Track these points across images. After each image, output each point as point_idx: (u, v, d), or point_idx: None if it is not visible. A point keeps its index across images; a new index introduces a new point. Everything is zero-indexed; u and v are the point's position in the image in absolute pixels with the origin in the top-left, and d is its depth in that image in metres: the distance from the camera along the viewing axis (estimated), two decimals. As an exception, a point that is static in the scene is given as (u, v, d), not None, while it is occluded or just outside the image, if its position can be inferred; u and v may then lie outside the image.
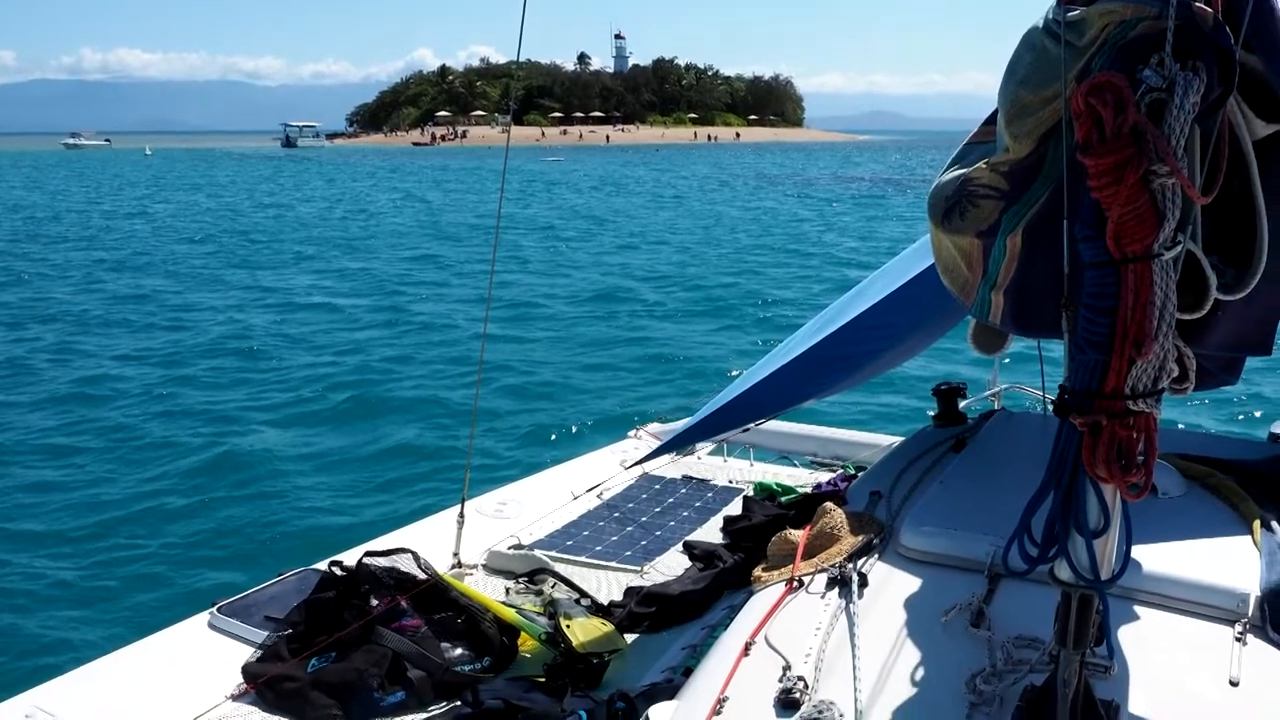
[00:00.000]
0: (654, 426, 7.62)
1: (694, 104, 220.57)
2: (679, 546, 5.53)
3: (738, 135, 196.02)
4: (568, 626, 4.31)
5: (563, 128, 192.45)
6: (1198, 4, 1.99)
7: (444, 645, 4.28)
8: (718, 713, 2.65)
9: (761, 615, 3.07)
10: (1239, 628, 2.74)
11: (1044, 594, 2.36)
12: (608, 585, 5.11)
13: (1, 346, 18.57)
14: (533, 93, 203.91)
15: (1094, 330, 2.03)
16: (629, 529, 5.85)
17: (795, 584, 3.22)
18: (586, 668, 4.19)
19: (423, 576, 4.50)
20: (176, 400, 14.77)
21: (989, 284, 2.73)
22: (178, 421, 13.66)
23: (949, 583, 3.05)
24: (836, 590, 3.11)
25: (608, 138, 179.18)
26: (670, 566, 5.30)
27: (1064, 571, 2.20)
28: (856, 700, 2.55)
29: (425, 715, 3.88)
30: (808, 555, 3.37)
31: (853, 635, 2.83)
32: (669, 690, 3.37)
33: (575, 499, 6.25)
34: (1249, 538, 3.12)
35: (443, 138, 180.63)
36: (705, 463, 7.14)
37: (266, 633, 4.35)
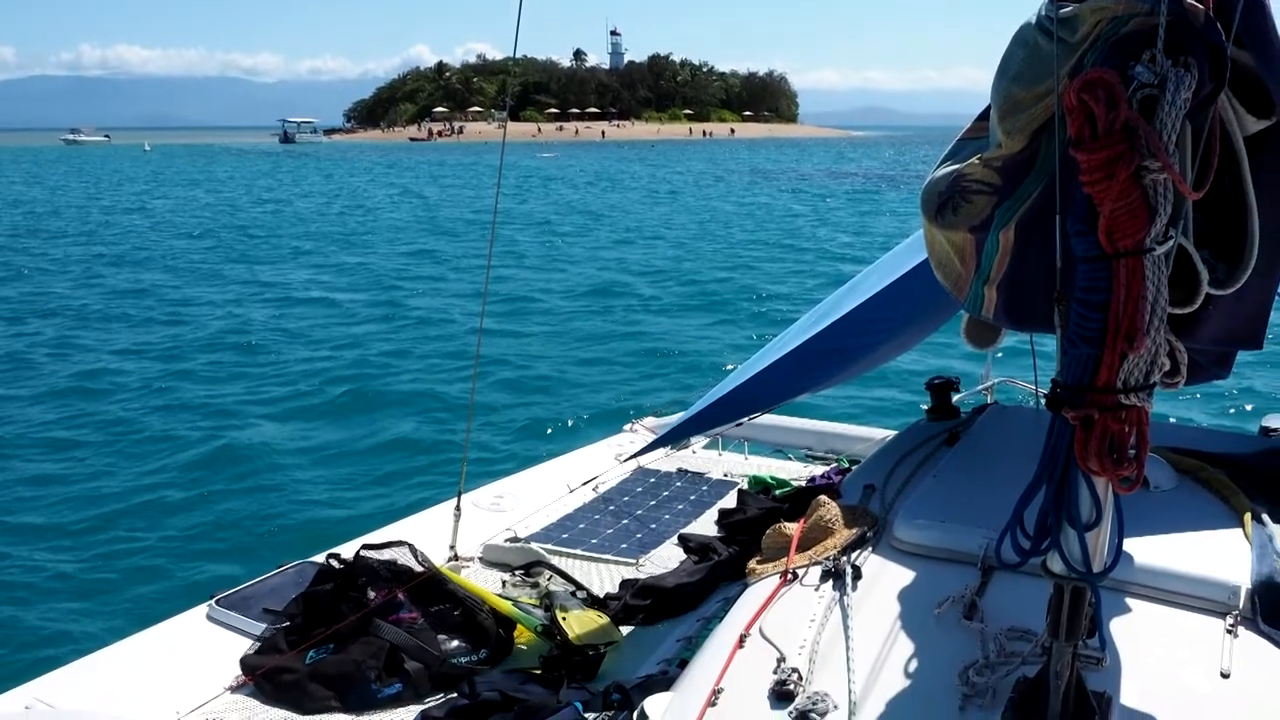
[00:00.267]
0: (649, 420, 7.63)
1: (689, 100, 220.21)
2: (674, 539, 5.54)
3: (732, 131, 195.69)
4: (563, 619, 4.32)
5: (559, 124, 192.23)
6: (1189, 0, 2.01)
7: (441, 637, 4.29)
8: (713, 704, 2.66)
9: (756, 607, 3.08)
10: (1230, 620, 2.76)
11: (1036, 586, 2.36)
12: (603, 578, 5.12)
13: (1, 341, 18.57)
14: (529, 89, 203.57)
15: (1086, 325, 2.04)
16: (624, 522, 5.86)
17: (789, 576, 3.24)
18: (582, 660, 4.20)
19: (420, 569, 4.51)
20: (175, 394, 14.78)
21: (982, 279, 2.74)
22: (176, 415, 13.67)
23: (942, 575, 3.07)
24: (830, 583, 3.12)
25: (603, 134, 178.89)
26: (665, 559, 5.31)
27: (1056, 564, 2.21)
28: (850, 692, 2.56)
29: (422, 707, 3.89)
30: (802, 548, 3.38)
31: (847, 627, 2.84)
32: (664, 682, 3.38)
33: (571, 492, 6.26)
34: (1240, 531, 3.14)
35: (439, 133, 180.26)
36: (700, 456, 7.15)
37: (265, 625, 4.37)
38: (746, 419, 6.70)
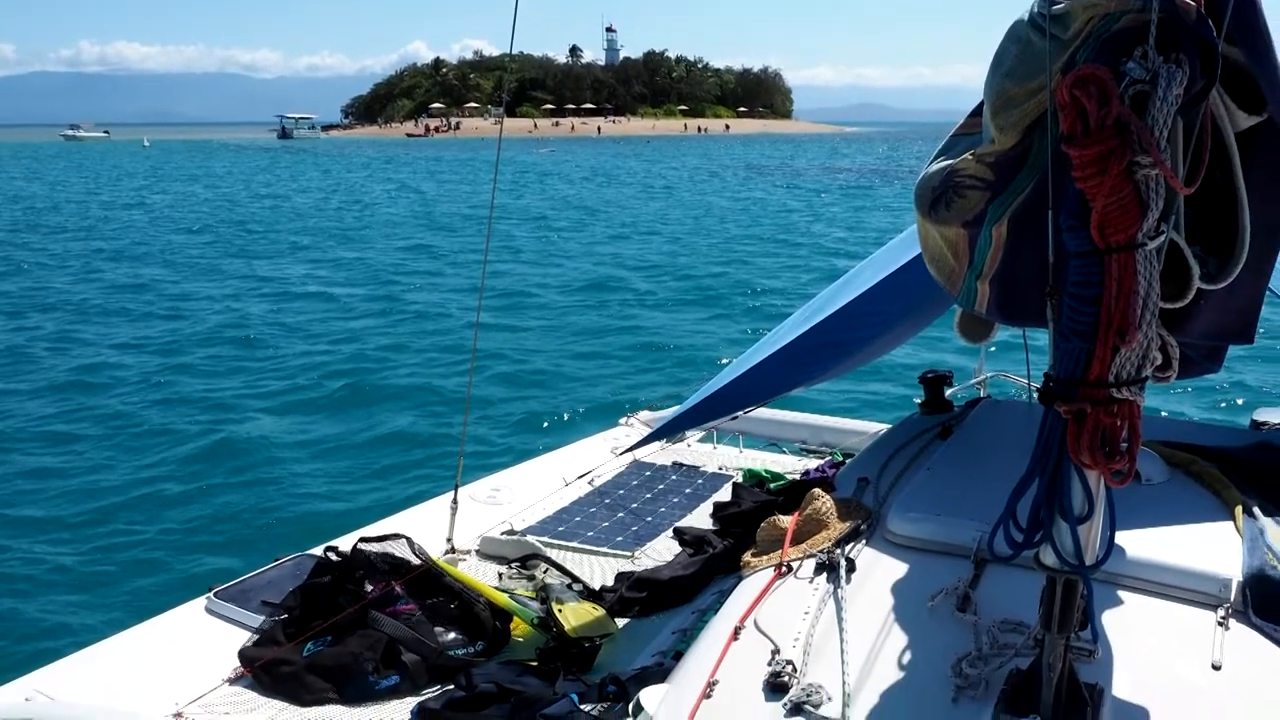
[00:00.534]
0: (644, 414, 7.65)
1: (684, 96, 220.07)
2: (669, 532, 5.56)
3: (727, 127, 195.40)
4: (560, 611, 4.34)
5: (555, 119, 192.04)
6: (1180, -3, 2.02)
7: (438, 630, 4.31)
8: (708, 696, 2.68)
9: (751, 600, 3.10)
10: (1221, 612, 2.78)
11: (1029, 579, 2.38)
12: (599, 570, 5.14)
13: (1, 335, 18.55)
14: (525, 85, 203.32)
15: (1078, 319, 2.06)
16: (620, 515, 5.88)
17: (784, 569, 3.26)
18: (578, 651, 4.21)
19: (417, 562, 4.52)
20: (174, 388, 14.77)
21: (975, 273, 2.75)
22: (175, 409, 13.66)
23: (935, 568, 3.09)
24: (825, 575, 3.15)
25: (599, 129, 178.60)
26: (661, 552, 5.33)
27: (1049, 557, 2.23)
28: (844, 683, 2.58)
29: (419, 698, 3.90)
30: (796, 541, 3.40)
31: (840, 620, 2.86)
32: (660, 674, 3.39)
33: (567, 485, 6.28)
34: (1231, 524, 3.16)
35: (436, 129, 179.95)
36: (695, 450, 7.17)
37: (263, 617, 4.38)
38: (741, 413, 6.72)
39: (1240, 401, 12.88)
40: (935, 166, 2.68)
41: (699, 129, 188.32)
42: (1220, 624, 2.74)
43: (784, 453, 7.16)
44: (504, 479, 6.36)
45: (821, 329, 4.48)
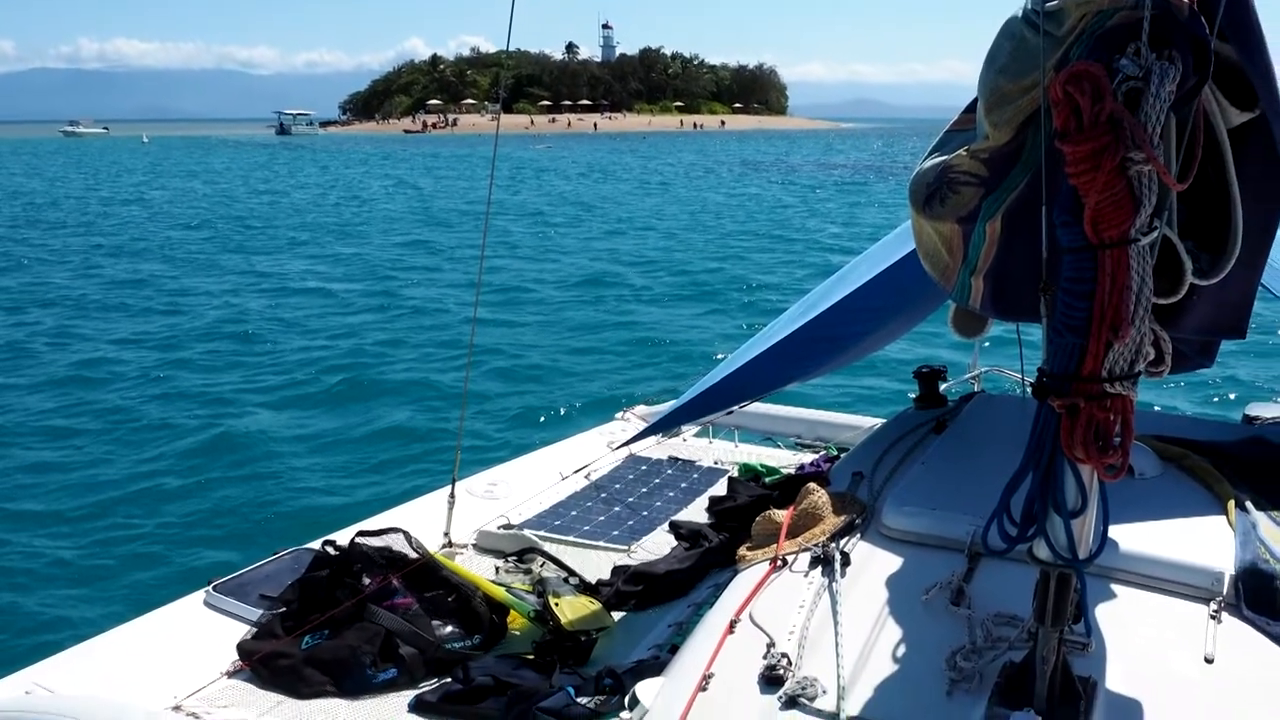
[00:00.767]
0: (641, 409, 7.66)
1: (680, 92, 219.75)
2: (665, 526, 5.57)
3: (723, 123, 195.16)
4: (556, 605, 4.35)
5: (551, 116, 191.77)
6: (1173, -5, 2.04)
7: (435, 623, 4.31)
8: (703, 689, 2.69)
9: (746, 593, 3.11)
10: (1214, 606, 2.79)
11: (1023, 573, 2.39)
12: (595, 564, 5.14)
13: (1, 330, 18.54)
14: (522, 81, 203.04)
15: (1072, 314, 2.07)
16: (616, 509, 5.89)
17: (779, 563, 3.27)
18: (575, 645, 4.22)
19: (414, 556, 4.53)
20: (173, 383, 14.77)
21: (969, 269, 2.76)
22: (174, 404, 13.68)
23: (930, 561, 3.10)
24: (819, 569, 3.15)
25: (595, 126, 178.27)
26: (657, 546, 5.34)
27: (1042, 551, 2.24)
28: (839, 677, 2.59)
29: (417, 691, 3.91)
30: (791, 535, 3.42)
31: (835, 613, 2.87)
32: (656, 667, 3.40)
33: (563, 480, 6.28)
34: (1224, 518, 3.18)
35: (434, 125, 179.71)
36: (691, 444, 7.18)
37: (261, 611, 4.38)
38: (737, 407, 6.73)
39: (1233, 396, 12.91)
40: (929, 162, 2.69)
41: (695, 125, 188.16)
42: (1213, 617, 2.76)
43: (779, 447, 7.17)
44: (501, 473, 6.37)
45: (816, 324, 4.49)
